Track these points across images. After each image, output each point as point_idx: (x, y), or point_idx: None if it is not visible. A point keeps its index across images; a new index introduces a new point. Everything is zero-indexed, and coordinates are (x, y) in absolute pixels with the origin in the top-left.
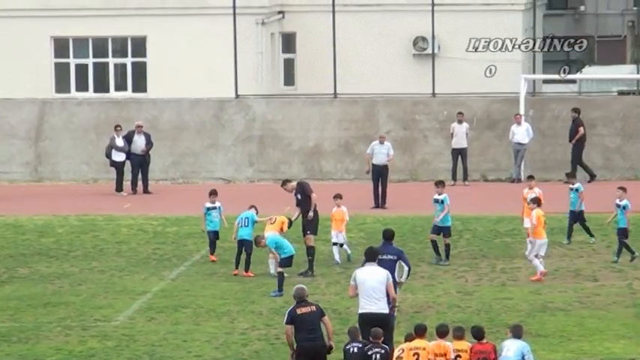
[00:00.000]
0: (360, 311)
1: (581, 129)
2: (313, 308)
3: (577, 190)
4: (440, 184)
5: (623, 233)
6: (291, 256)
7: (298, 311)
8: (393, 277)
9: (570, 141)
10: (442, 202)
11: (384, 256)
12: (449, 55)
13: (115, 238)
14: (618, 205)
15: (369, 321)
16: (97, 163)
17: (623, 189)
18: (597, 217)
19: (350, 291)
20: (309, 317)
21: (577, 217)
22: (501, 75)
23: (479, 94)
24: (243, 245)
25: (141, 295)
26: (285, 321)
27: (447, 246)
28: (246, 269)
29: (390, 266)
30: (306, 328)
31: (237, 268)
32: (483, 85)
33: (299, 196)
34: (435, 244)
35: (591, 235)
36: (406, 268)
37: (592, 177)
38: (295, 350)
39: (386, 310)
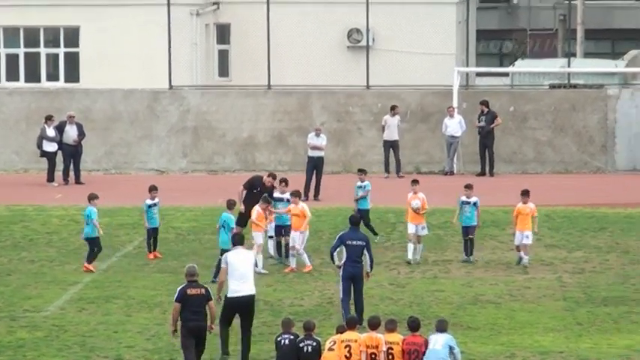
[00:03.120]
0: (230, 295)
1: (499, 118)
2: (202, 291)
3: (475, 204)
4: (283, 181)
5: (473, 231)
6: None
7: (188, 292)
8: (361, 262)
9: (489, 127)
10: (288, 200)
11: (353, 242)
12: (383, 47)
13: (46, 228)
14: (467, 203)
15: (239, 303)
16: (27, 153)
17: (471, 187)
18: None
19: (221, 275)
20: (196, 299)
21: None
22: (435, 68)
23: (413, 87)
24: (155, 232)
25: (72, 286)
26: (175, 298)
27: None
28: (155, 249)
29: (359, 252)
30: (192, 309)
31: (150, 251)
32: (417, 77)
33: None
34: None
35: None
36: (368, 260)
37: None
38: (178, 328)
39: (254, 292)
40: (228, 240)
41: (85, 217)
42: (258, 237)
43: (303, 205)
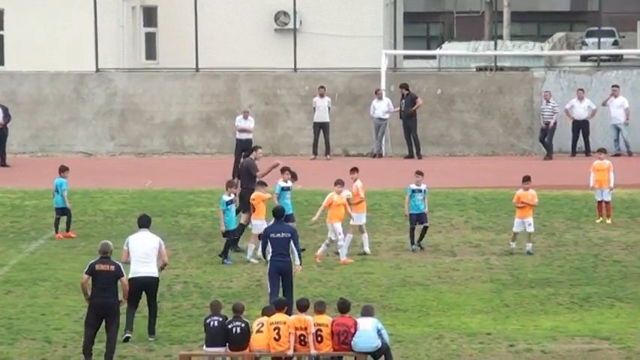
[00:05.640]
0: (131, 275)
1: (419, 100)
2: (112, 268)
3: (425, 192)
4: (286, 169)
5: (426, 218)
6: (227, 230)
7: (97, 267)
8: (288, 255)
9: (410, 111)
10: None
11: (277, 235)
12: (310, 30)
13: None
14: (419, 190)
15: (140, 284)
16: None
17: (422, 173)
18: (457, 192)
19: (123, 256)
20: (105, 275)
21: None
22: (362, 50)
23: (340, 70)
24: (62, 211)
25: None
26: (84, 271)
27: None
28: (67, 229)
29: (285, 244)
30: (100, 286)
31: (57, 232)
32: (345, 60)
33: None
34: None
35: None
36: (296, 253)
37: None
38: (88, 303)
39: (155, 274)
40: (229, 220)
41: (56, 187)
42: (258, 225)
43: (348, 193)
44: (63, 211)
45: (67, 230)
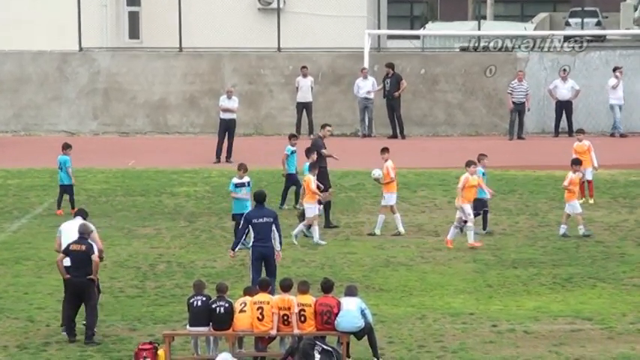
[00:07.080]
0: (65, 264)
1: (404, 82)
2: (83, 247)
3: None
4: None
5: (486, 204)
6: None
7: (71, 247)
8: (271, 241)
9: (393, 94)
10: None
11: (260, 220)
12: (294, 9)
13: None
14: (483, 174)
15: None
16: None
17: (485, 156)
18: (440, 172)
19: (56, 244)
20: (76, 255)
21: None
22: (346, 30)
23: (324, 49)
24: (64, 189)
25: None
26: (62, 249)
27: None
28: (72, 206)
29: (267, 229)
30: (73, 265)
31: (59, 208)
32: (328, 40)
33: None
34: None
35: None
36: (277, 235)
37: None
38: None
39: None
40: (239, 204)
41: (60, 164)
42: (312, 209)
43: (379, 172)
44: (66, 189)
45: (72, 207)
